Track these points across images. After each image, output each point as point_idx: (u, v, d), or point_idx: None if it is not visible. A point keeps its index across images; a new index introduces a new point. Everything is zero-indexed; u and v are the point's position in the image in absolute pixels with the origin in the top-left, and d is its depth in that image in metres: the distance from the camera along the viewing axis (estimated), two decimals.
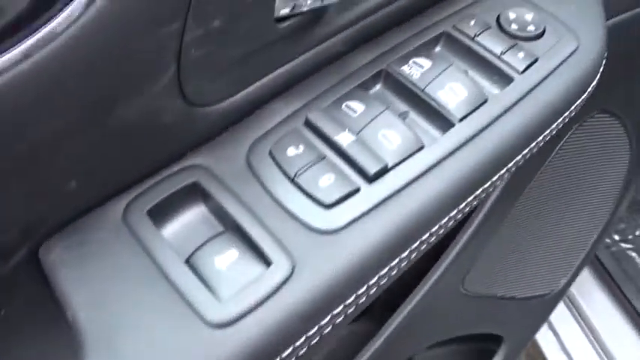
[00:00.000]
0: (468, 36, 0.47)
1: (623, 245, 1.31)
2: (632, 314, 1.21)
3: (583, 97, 0.48)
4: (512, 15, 0.49)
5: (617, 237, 1.31)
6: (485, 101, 0.44)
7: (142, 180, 0.39)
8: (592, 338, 1.24)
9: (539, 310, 0.95)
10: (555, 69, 0.47)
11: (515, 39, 0.48)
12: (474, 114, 0.43)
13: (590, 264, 1.25)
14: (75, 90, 0.31)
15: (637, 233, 1.32)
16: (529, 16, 0.49)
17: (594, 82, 0.49)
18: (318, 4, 0.40)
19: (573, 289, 1.26)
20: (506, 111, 0.44)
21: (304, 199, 0.38)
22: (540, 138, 0.46)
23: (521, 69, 0.45)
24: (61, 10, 0.29)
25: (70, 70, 0.30)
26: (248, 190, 0.39)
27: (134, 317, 0.34)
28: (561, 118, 0.47)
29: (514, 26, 0.48)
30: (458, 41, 0.47)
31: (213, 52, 0.36)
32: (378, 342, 0.65)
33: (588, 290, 1.27)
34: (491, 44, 0.47)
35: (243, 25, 0.37)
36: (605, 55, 0.50)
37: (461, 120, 0.42)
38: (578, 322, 1.26)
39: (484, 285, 0.77)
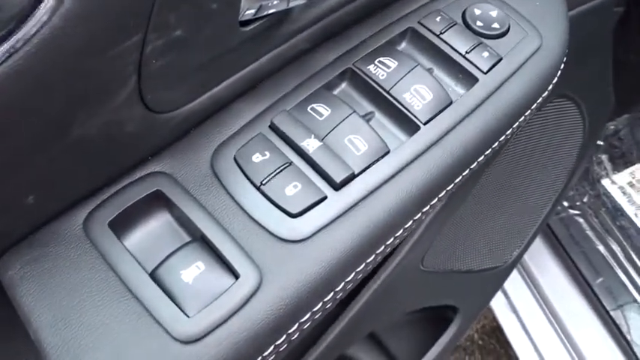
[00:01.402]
0: (433, 33, 0.47)
1: (572, 211, 1.36)
2: (577, 277, 1.28)
3: (544, 94, 0.49)
4: (477, 11, 0.49)
5: (566, 203, 1.37)
6: (450, 103, 0.44)
7: (102, 189, 0.38)
8: (541, 300, 1.30)
9: (493, 280, 0.99)
10: (519, 68, 0.47)
11: (480, 37, 0.48)
12: (439, 116, 0.43)
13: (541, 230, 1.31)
14: (34, 107, 0.29)
15: (584, 200, 1.38)
16: (494, 13, 0.49)
17: (555, 79, 0.49)
18: (284, 5, 0.39)
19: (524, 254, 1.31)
20: (470, 113, 0.44)
21: (271, 208, 0.38)
22: (502, 137, 0.47)
23: (485, 69, 0.45)
24: (17, 28, 0.27)
25: (29, 88, 0.28)
26: (213, 198, 0.38)
27: (98, 335, 0.34)
28: (523, 117, 0.48)
29: (479, 23, 0.48)
30: (424, 38, 0.47)
31: (175, 61, 0.35)
32: (342, 322, 0.67)
33: (538, 254, 1.33)
34: (457, 42, 0.47)
35: (205, 32, 0.35)
36: (567, 51, 0.51)
37: (426, 123, 0.43)
38: (528, 284, 1.32)
39: (442, 261, 0.79)
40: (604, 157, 1.43)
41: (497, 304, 1.33)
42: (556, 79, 0.50)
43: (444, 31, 0.47)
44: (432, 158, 0.42)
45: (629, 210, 1.34)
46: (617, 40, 0.78)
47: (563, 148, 0.83)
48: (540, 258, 1.33)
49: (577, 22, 0.59)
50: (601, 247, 1.31)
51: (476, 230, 0.81)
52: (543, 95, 0.49)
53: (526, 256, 1.32)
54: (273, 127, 0.41)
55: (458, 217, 0.73)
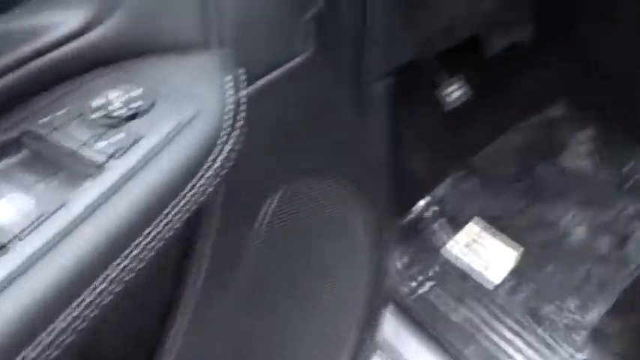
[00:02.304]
0: (44, 134, 0.38)
1: (422, 289, 1.32)
2: (449, 354, 1.20)
3: (211, 164, 0.41)
4: (111, 95, 0.42)
5: (415, 282, 1.32)
6: (59, 208, 0.34)
7: None
8: None
9: None
10: (166, 143, 0.39)
11: (112, 122, 0.40)
12: (41, 227, 0.33)
13: (399, 313, 1.23)
14: None
15: (433, 271, 1.35)
16: (135, 93, 0.42)
17: (223, 149, 0.42)
18: None
19: (390, 341, 1.23)
20: (87, 214, 0.34)
21: None
22: (163, 229, 0.37)
23: (106, 158, 0.37)
24: None
25: None
26: None
27: None
28: (200, 193, 0.39)
29: (116, 105, 0.41)
30: (28, 144, 0.38)
31: None
32: None
33: (407, 342, 1.25)
34: (76, 136, 0.38)
35: None
36: (239, 118, 0.44)
37: (12, 242, 0.32)
38: None
39: None
40: (436, 225, 1.42)
41: None
42: (226, 147, 0.42)
43: (62, 127, 0.39)
44: (35, 278, 0.31)
45: (478, 266, 1.32)
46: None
47: (342, 229, 0.75)
48: (410, 346, 1.25)
49: (269, 91, 0.53)
50: (463, 313, 1.25)
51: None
52: (216, 165, 0.41)
53: (396, 347, 1.23)
54: None
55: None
